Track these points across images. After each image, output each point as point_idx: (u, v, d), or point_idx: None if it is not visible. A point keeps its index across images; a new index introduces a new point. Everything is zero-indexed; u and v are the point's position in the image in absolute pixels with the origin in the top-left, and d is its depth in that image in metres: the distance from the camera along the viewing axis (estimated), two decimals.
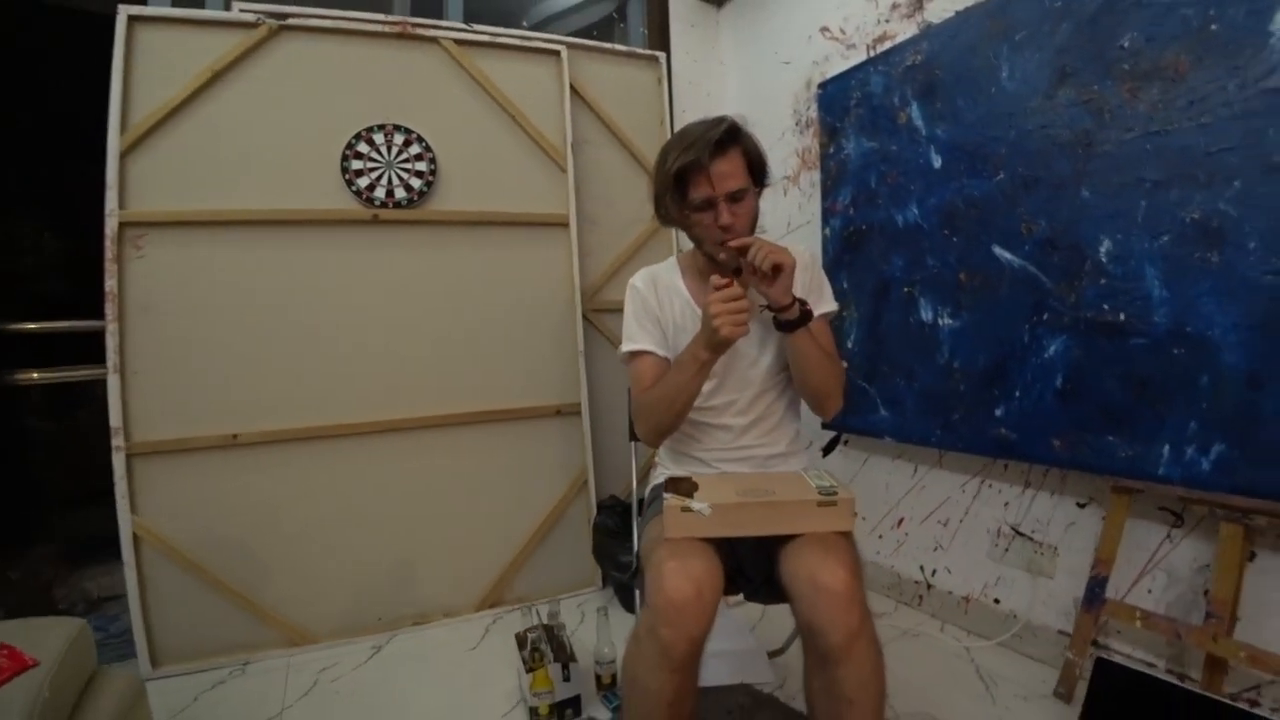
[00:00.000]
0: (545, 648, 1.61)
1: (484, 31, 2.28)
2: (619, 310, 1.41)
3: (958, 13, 1.81)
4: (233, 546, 1.94)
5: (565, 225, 2.36)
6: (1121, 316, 1.47)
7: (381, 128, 2.11)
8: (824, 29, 2.37)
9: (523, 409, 2.30)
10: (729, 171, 1.20)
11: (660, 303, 1.35)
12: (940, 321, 1.89)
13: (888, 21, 2.12)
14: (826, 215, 2.27)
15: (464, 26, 2.28)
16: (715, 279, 1.13)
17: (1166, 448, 1.40)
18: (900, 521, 2.21)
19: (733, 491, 1.18)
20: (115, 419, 1.82)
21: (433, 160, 2.17)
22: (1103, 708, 1.39)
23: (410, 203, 2.15)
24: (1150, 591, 1.56)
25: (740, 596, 1.35)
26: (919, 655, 1.86)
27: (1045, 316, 1.62)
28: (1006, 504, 1.88)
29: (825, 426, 2.33)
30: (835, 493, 1.15)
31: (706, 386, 1.27)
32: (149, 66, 1.89)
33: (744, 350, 1.30)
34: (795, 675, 1.34)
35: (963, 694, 1.66)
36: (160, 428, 1.88)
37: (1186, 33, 1.34)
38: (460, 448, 2.22)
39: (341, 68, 2.09)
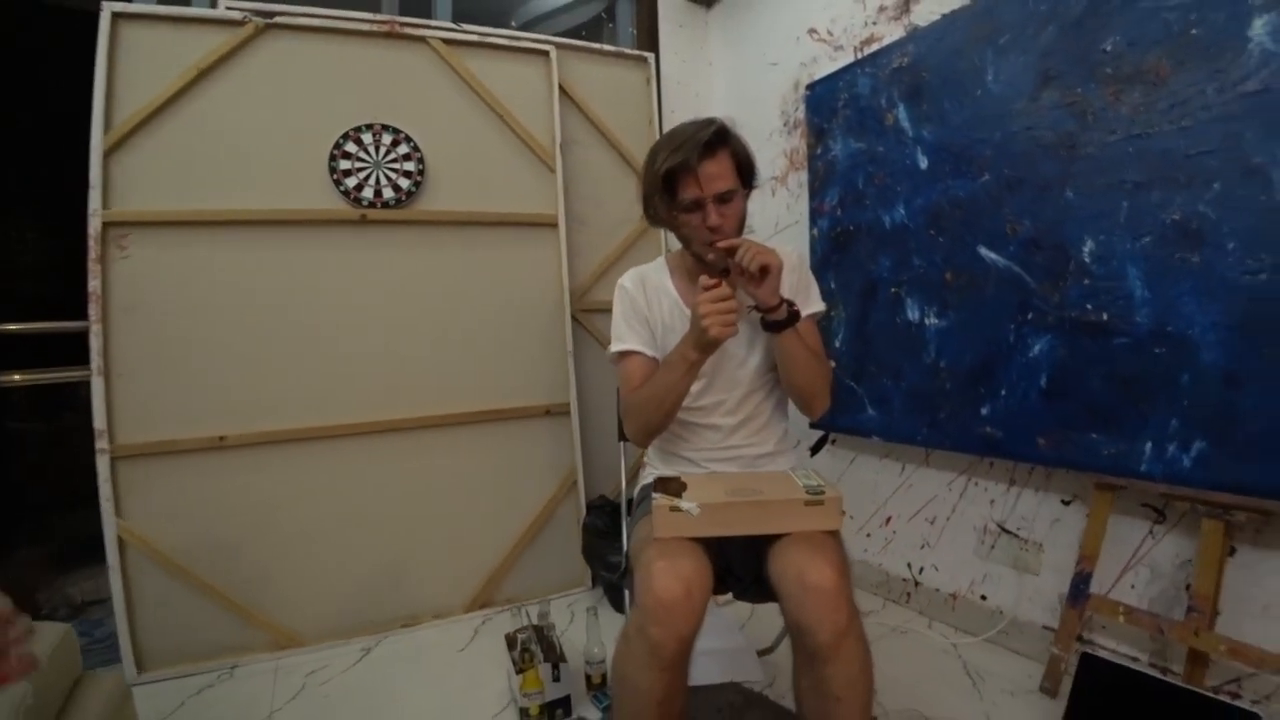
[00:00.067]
0: (535, 648, 1.61)
1: (473, 31, 2.27)
2: (608, 310, 1.41)
3: (944, 16, 1.83)
4: (219, 549, 1.92)
5: (554, 225, 2.36)
6: (1104, 316, 1.49)
7: (369, 127, 2.10)
8: (812, 31, 2.38)
9: (512, 409, 2.30)
10: (717, 173, 1.20)
11: (649, 303, 1.35)
12: (927, 321, 1.90)
13: (875, 24, 2.14)
14: (814, 216, 2.29)
15: (452, 26, 2.27)
16: (704, 279, 1.13)
17: (1149, 445, 1.42)
18: (888, 520, 2.23)
19: (721, 491, 1.18)
20: (100, 421, 1.80)
21: (421, 160, 2.16)
22: (1088, 702, 1.41)
23: (399, 203, 2.14)
24: (1133, 587, 1.58)
25: (729, 595, 1.36)
26: (907, 652, 1.88)
27: (1030, 316, 1.64)
28: (993, 502, 1.90)
29: (813, 426, 2.34)
30: (823, 492, 1.16)
31: (695, 386, 1.27)
32: (133, 64, 1.86)
33: (732, 350, 1.31)
34: (784, 673, 1.35)
35: (950, 690, 1.68)
36: (146, 430, 1.86)
37: (1167, 37, 1.36)
38: (449, 448, 2.21)
39: (329, 67, 2.07)
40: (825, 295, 1.46)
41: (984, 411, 1.75)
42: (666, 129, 2.37)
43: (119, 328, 1.84)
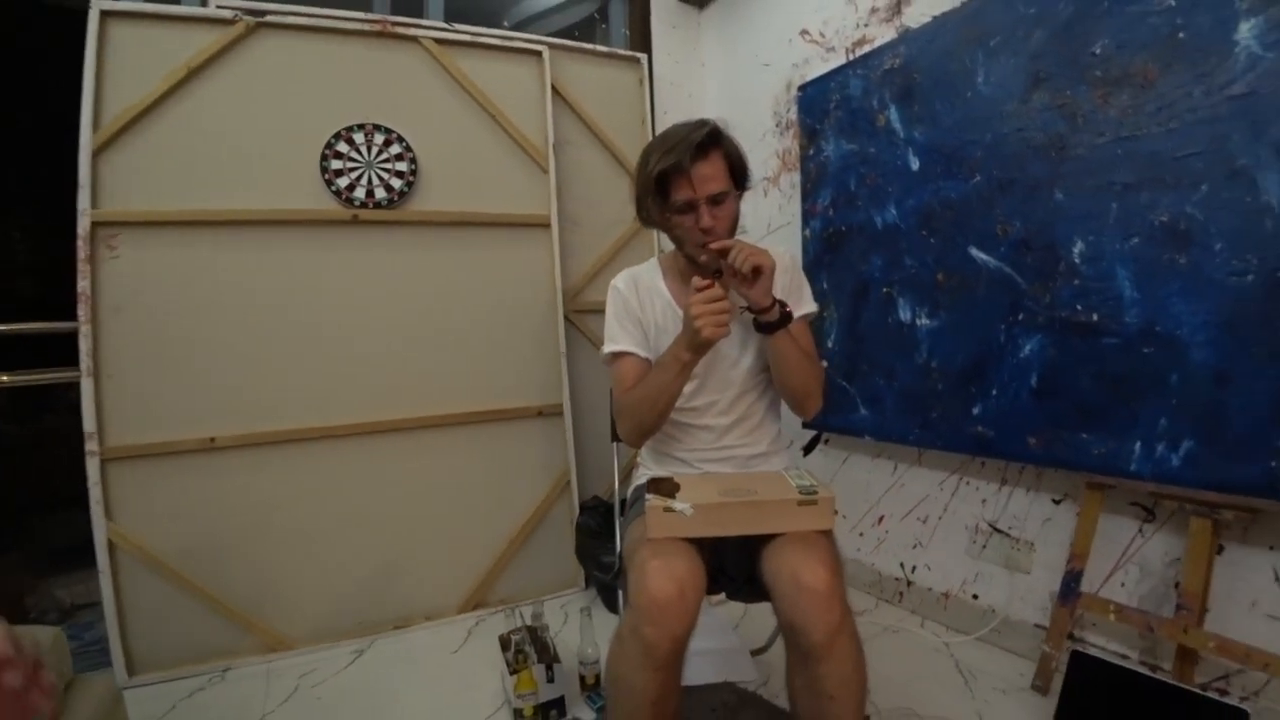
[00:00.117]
0: (529, 649, 1.61)
1: (465, 31, 2.27)
2: (601, 311, 1.42)
3: (935, 18, 1.84)
4: (210, 552, 1.91)
5: (547, 226, 2.36)
6: (1094, 316, 1.50)
7: (361, 127, 2.09)
8: (804, 32, 2.39)
9: (505, 410, 2.29)
10: (710, 174, 1.20)
11: (641, 304, 1.35)
12: (918, 321, 1.91)
13: (866, 25, 2.14)
14: (806, 216, 2.29)
15: (445, 26, 2.26)
16: (696, 281, 1.13)
17: (1138, 444, 1.43)
18: (880, 519, 2.24)
19: (714, 491, 1.18)
20: (89, 423, 1.79)
21: (413, 160, 2.16)
22: (1078, 699, 1.42)
23: (391, 203, 2.13)
24: (1123, 585, 1.60)
25: (723, 595, 1.36)
26: (899, 651, 1.89)
27: (1021, 316, 1.65)
28: (984, 501, 1.91)
29: (806, 426, 2.35)
30: (815, 492, 1.16)
31: (688, 387, 1.28)
32: (123, 63, 1.85)
33: (725, 351, 1.31)
34: (778, 673, 1.35)
35: (942, 688, 1.68)
36: (135, 432, 1.85)
37: (1155, 41, 1.37)
38: (442, 449, 2.21)
39: (320, 66, 2.07)
40: (817, 296, 1.47)
41: (975, 411, 1.76)
42: (659, 129, 2.39)
43: (108, 328, 1.83)
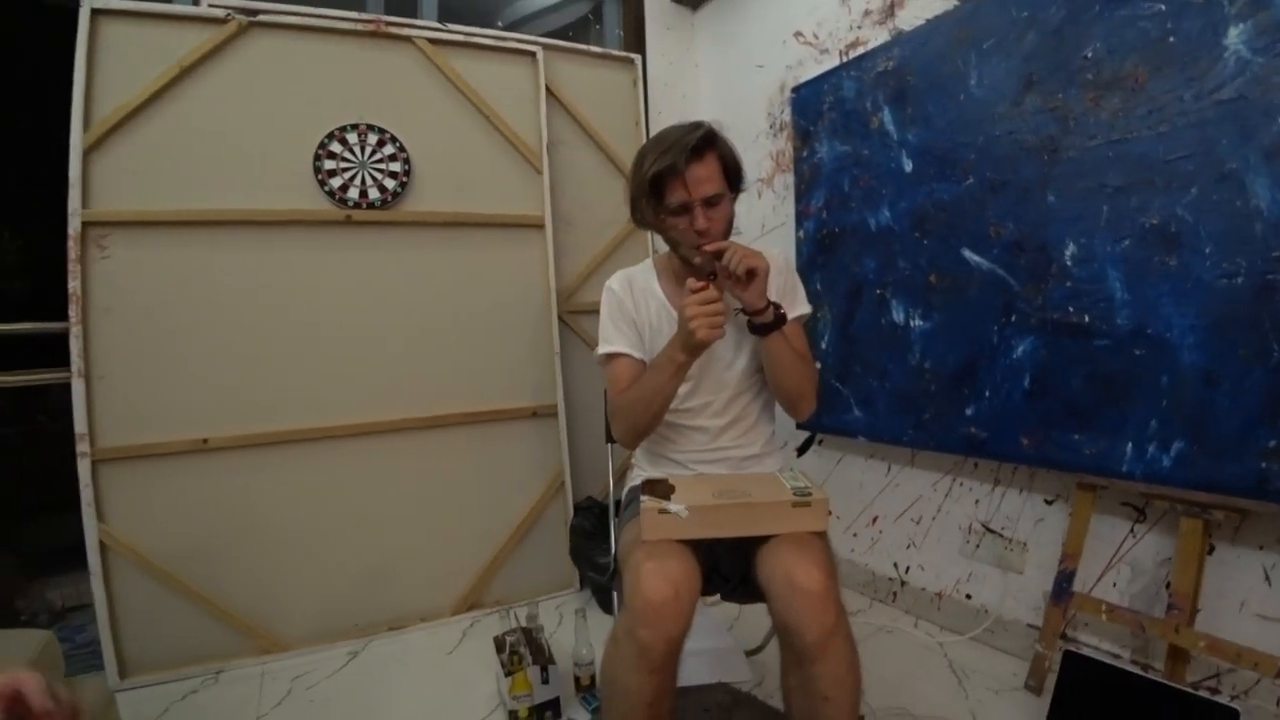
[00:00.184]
0: (524, 650, 1.60)
1: (458, 31, 2.26)
2: (595, 312, 1.42)
3: (928, 20, 1.85)
4: (203, 553, 1.90)
5: (541, 226, 2.35)
6: (1086, 318, 1.51)
7: (355, 127, 2.09)
8: (798, 34, 2.40)
9: (499, 411, 2.29)
10: (705, 177, 1.21)
11: (636, 305, 1.35)
12: (911, 323, 1.92)
13: (860, 28, 2.15)
14: (800, 218, 2.30)
15: (438, 26, 2.26)
16: (691, 282, 1.14)
17: (1129, 445, 1.44)
18: (874, 520, 2.25)
19: (709, 493, 1.19)
20: (80, 424, 1.77)
21: (407, 161, 2.15)
22: (1071, 699, 1.43)
23: (384, 203, 2.12)
24: (1115, 585, 1.61)
25: (717, 596, 1.36)
26: (893, 651, 1.90)
27: (1013, 318, 1.66)
28: (977, 501, 1.92)
29: (800, 427, 2.36)
30: (809, 494, 1.17)
31: (682, 389, 1.28)
32: (114, 62, 1.83)
33: (719, 353, 1.31)
34: (773, 673, 1.36)
35: (936, 688, 1.69)
36: (127, 433, 1.84)
37: (1146, 44, 1.38)
38: (436, 450, 2.20)
39: (313, 66, 2.06)
40: (811, 297, 1.47)
41: (968, 412, 1.77)
42: (653, 130, 2.39)
43: (99, 329, 1.82)
